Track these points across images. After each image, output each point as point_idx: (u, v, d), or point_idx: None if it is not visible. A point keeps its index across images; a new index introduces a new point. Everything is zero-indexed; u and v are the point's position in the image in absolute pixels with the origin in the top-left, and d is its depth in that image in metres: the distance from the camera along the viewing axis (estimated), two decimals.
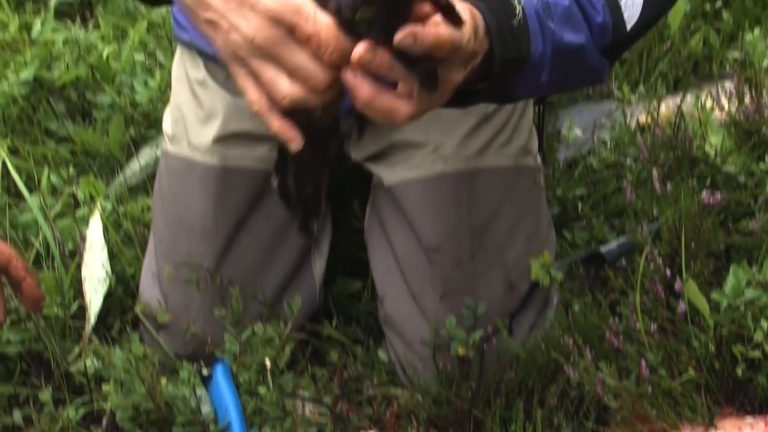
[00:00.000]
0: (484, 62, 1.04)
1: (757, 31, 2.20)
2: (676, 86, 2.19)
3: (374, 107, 0.91)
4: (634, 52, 2.21)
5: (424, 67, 0.91)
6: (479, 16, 1.05)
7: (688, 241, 1.55)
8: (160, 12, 2.23)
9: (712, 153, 1.85)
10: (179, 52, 1.67)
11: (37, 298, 1.35)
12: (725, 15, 2.34)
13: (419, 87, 0.92)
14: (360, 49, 0.87)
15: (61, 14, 2.41)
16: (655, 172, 1.69)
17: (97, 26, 2.30)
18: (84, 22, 2.33)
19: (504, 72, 1.09)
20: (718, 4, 2.37)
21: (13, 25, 2.15)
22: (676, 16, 2.28)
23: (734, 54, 2.21)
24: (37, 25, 2.11)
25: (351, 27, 0.87)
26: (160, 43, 2.20)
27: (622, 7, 1.25)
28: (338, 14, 0.87)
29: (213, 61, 1.54)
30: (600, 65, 1.27)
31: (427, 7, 0.89)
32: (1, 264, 1.30)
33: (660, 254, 1.53)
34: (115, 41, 2.21)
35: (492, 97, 1.16)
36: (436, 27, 0.89)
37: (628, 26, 1.26)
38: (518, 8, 1.11)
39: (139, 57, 2.11)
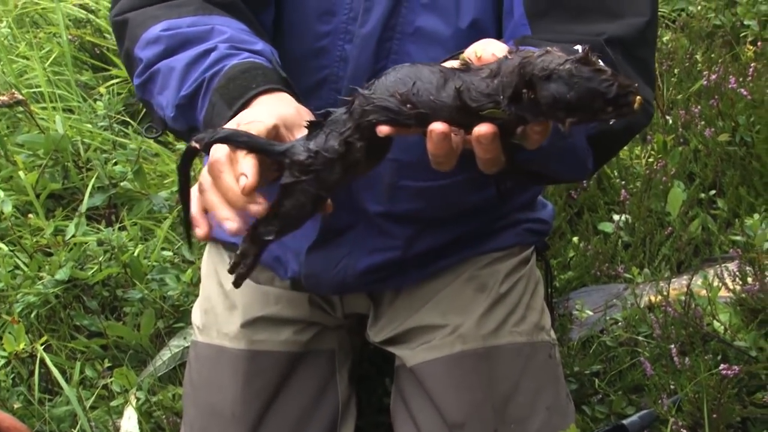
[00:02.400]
0: None
1: (756, 216, 2.31)
2: (679, 268, 2.28)
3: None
4: (637, 237, 2.32)
5: None
6: None
7: (709, 411, 1.59)
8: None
9: (721, 329, 1.90)
10: (207, 249, 1.76)
11: None
12: (720, 202, 2.47)
13: None
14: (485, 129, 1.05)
15: (89, 218, 2.53)
16: (674, 348, 1.75)
17: (123, 228, 2.41)
18: (110, 225, 2.44)
19: None
20: (712, 192, 2.50)
21: (49, 230, 2.26)
22: (675, 204, 2.40)
23: (735, 237, 2.31)
24: (70, 229, 2.22)
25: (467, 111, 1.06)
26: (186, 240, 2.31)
27: None
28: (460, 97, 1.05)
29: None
30: (586, 153, 1.33)
31: None
32: None
33: (683, 425, 1.57)
34: (141, 241, 2.32)
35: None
36: None
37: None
38: None
39: (167, 254, 2.22)
